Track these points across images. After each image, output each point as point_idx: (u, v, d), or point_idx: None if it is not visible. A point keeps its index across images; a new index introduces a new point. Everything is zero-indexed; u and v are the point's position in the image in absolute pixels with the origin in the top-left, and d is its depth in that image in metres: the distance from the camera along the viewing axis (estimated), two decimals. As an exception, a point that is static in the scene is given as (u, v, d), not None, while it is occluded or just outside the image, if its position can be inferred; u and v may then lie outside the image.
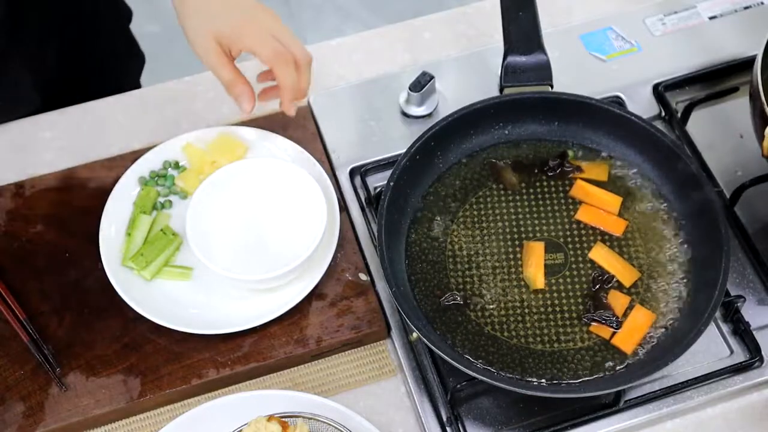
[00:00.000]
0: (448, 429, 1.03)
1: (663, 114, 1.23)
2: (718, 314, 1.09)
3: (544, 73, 1.15)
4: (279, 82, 1.07)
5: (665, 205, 1.11)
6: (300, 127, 1.23)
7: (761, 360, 1.06)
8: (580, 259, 1.09)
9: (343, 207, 1.16)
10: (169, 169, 1.18)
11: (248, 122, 1.22)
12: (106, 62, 1.42)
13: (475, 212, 1.12)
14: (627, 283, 1.06)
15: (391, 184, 1.08)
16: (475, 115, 1.14)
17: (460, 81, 1.27)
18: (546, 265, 1.08)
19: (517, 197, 1.13)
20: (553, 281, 1.07)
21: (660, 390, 1.04)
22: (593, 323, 1.04)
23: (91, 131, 1.25)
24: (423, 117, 1.23)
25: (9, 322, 1.08)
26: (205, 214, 1.09)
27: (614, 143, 1.15)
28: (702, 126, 1.22)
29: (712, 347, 1.08)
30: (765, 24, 1.30)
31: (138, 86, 1.49)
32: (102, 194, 1.14)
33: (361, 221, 1.16)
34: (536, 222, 1.11)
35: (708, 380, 1.05)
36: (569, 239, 1.10)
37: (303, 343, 1.08)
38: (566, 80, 1.19)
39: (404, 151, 1.11)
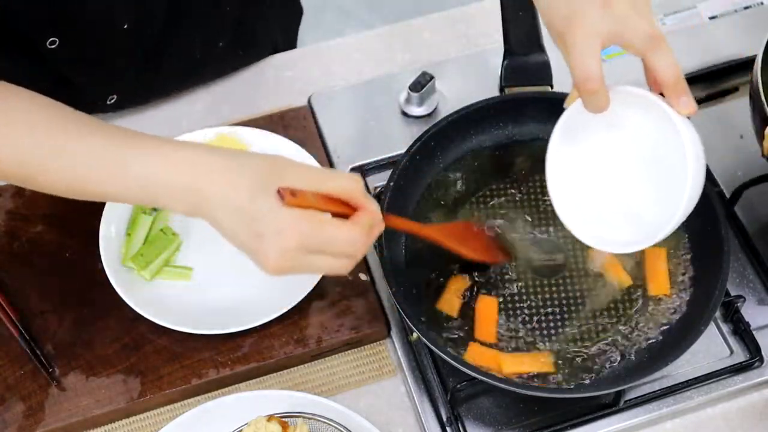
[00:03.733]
0: (448, 429, 1.03)
1: (663, 114, 1.22)
2: (718, 314, 1.09)
3: (544, 73, 1.15)
4: (656, 70, 0.89)
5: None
6: (300, 127, 1.23)
7: (761, 360, 1.06)
8: (580, 259, 1.09)
9: (343, 207, 1.16)
10: (170, 169, 1.18)
11: (248, 122, 1.22)
12: None
13: (476, 212, 1.12)
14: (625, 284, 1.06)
15: (391, 184, 1.08)
16: (475, 115, 1.14)
17: (460, 81, 1.26)
18: (546, 266, 1.08)
19: (518, 197, 1.13)
20: (552, 282, 1.07)
21: (660, 390, 1.04)
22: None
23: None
24: (423, 117, 1.23)
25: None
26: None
27: (615, 143, 1.14)
28: (702, 126, 1.21)
29: (712, 347, 1.08)
30: (765, 24, 1.30)
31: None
32: (102, 194, 1.14)
33: (361, 221, 1.16)
34: (536, 222, 1.11)
35: (708, 380, 1.05)
36: (569, 239, 1.10)
37: (303, 343, 1.08)
38: (566, 80, 1.18)
39: (404, 151, 1.11)
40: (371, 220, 0.89)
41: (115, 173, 0.88)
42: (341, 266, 0.88)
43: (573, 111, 0.93)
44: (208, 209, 0.87)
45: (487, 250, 1.07)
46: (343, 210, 0.88)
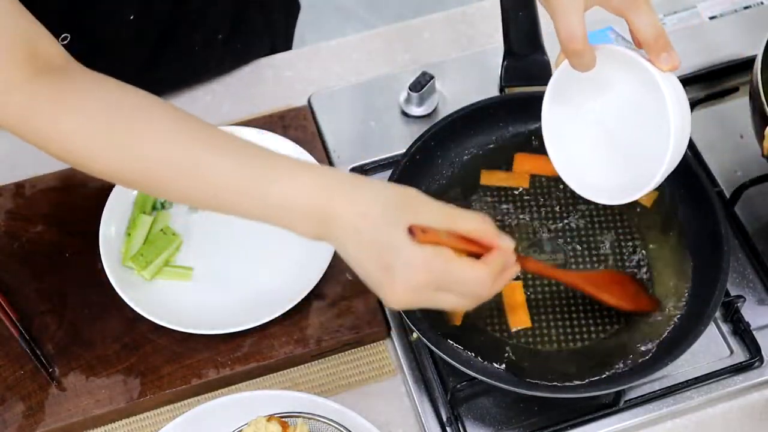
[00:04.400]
0: (448, 429, 1.03)
1: (663, 114, 1.22)
2: (718, 314, 1.09)
3: (544, 73, 1.15)
4: (635, 28, 0.90)
5: (665, 204, 1.11)
6: (300, 127, 1.23)
7: (761, 360, 1.06)
8: (580, 259, 1.09)
9: (343, 207, 1.16)
10: (169, 169, 1.18)
11: (248, 122, 1.23)
12: None
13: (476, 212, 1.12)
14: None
15: (391, 184, 1.08)
16: (475, 115, 1.14)
17: (460, 81, 1.26)
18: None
19: (518, 197, 1.13)
20: (553, 282, 1.07)
21: (660, 390, 1.04)
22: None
23: (91, 131, 1.25)
24: (423, 117, 1.23)
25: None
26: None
27: (614, 143, 1.14)
28: (702, 126, 1.22)
29: (712, 347, 1.08)
30: (765, 24, 1.30)
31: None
32: (102, 194, 1.14)
33: (361, 221, 1.15)
34: (536, 222, 1.11)
35: (708, 380, 1.05)
36: (569, 238, 1.10)
37: (303, 343, 1.08)
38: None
39: (404, 151, 1.11)
40: (503, 262, 0.88)
41: (251, 194, 0.87)
42: (466, 305, 0.88)
43: (562, 71, 0.94)
44: (334, 234, 0.86)
45: (634, 298, 1.05)
46: (475, 249, 0.87)
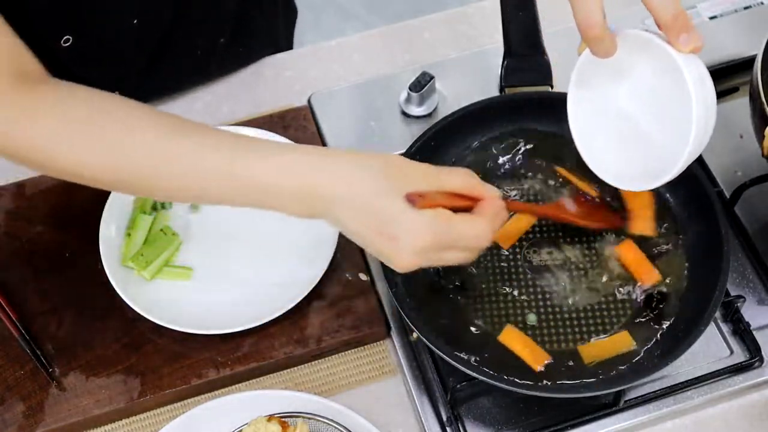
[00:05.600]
0: (448, 429, 1.03)
1: (663, 114, 1.22)
2: (718, 314, 1.09)
3: (544, 73, 1.16)
4: (652, 10, 0.88)
5: (665, 204, 1.11)
6: (300, 127, 1.23)
7: (761, 360, 1.06)
8: (580, 258, 1.09)
9: (343, 207, 1.16)
10: (169, 169, 1.18)
11: (248, 122, 1.23)
12: None
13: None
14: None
15: (391, 184, 1.08)
16: (475, 115, 1.14)
17: (460, 81, 1.26)
18: (547, 266, 1.08)
19: (518, 197, 1.13)
20: (553, 282, 1.07)
21: (660, 390, 1.04)
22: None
23: (91, 131, 1.25)
24: (423, 117, 1.23)
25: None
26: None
27: (614, 143, 1.14)
28: (702, 126, 1.22)
29: (712, 347, 1.08)
30: (765, 24, 1.30)
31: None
32: (102, 194, 1.14)
33: (361, 221, 1.16)
34: (537, 221, 1.11)
35: (708, 380, 1.05)
36: (568, 238, 1.10)
37: (303, 343, 1.08)
38: (566, 80, 1.18)
39: (404, 151, 1.11)
40: (494, 208, 0.92)
41: (229, 178, 0.88)
42: (468, 257, 0.92)
43: (585, 57, 0.94)
44: (329, 211, 0.88)
45: (603, 217, 1.08)
46: (465, 203, 0.91)
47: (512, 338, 1.03)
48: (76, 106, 0.90)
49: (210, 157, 0.88)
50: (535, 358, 1.01)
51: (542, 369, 1.01)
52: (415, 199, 0.86)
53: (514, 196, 1.12)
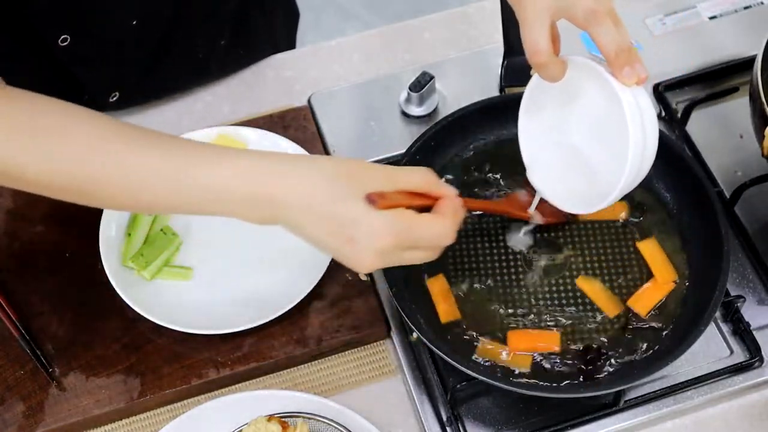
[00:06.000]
0: (448, 429, 1.03)
1: (663, 114, 1.23)
2: (718, 314, 1.09)
3: (544, 73, 1.16)
4: (598, 43, 0.90)
5: (665, 204, 1.11)
6: (300, 127, 1.23)
7: (761, 360, 1.06)
8: (579, 259, 1.09)
9: (343, 207, 1.16)
10: (169, 169, 1.18)
11: (248, 122, 1.23)
12: None
13: (476, 212, 1.12)
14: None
15: (391, 184, 1.08)
16: (475, 115, 1.14)
17: (460, 81, 1.27)
18: (546, 266, 1.08)
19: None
20: (552, 281, 1.07)
21: (660, 390, 1.04)
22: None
23: (91, 131, 1.25)
24: (423, 117, 1.23)
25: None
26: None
27: (614, 143, 1.14)
28: (702, 126, 1.22)
29: (712, 347, 1.08)
30: (765, 24, 1.30)
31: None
32: (102, 194, 1.14)
33: (361, 221, 1.16)
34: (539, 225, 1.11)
35: (708, 380, 1.05)
36: (569, 238, 1.10)
37: (303, 343, 1.08)
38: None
39: (404, 151, 1.11)
40: (453, 206, 0.92)
41: (179, 186, 0.87)
42: (430, 256, 0.92)
43: (535, 81, 0.96)
44: (286, 216, 0.87)
45: (551, 212, 1.08)
46: (424, 201, 0.91)
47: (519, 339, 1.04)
48: (20, 115, 0.88)
49: (160, 165, 0.87)
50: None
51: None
52: (375, 200, 0.86)
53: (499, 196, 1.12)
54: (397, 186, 0.89)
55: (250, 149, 0.95)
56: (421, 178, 0.91)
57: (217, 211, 0.88)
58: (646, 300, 1.05)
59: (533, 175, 1.03)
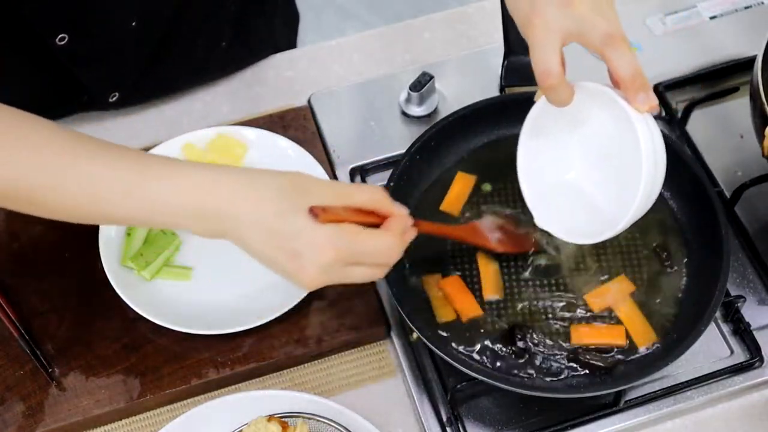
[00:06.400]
0: (448, 429, 1.03)
1: (663, 114, 1.23)
2: (718, 314, 1.09)
3: (544, 73, 1.16)
4: (613, 68, 0.89)
5: (665, 204, 1.11)
6: (300, 127, 1.23)
7: (761, 360, 1.06)
8: (580, 259, 1.09)
9: (343, 207, 1.16)
10: (169, 169, 1.18)
11: (248, 122, 1.23)
12: None
13: (476, 212, 1.12)
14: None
15: (391, 184, 1.08)
16: (475, 115, 1.14)
17: (460, 81, 1.27)
18: (546, 265, 1.08)
19: (518, 197, 1.12)
20: (552, 281, 1.07)
21: (660, 390, 1.04)
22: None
23: (91, 132, 1.25)
24: (423, 117, 1.23)
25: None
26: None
27: (614, 143, 1.14)
28: (702, 126, 1.22)
29: (712, 347, 1.08)
30: (765, 24, 1.30)
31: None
32: (102, 194, 1.14)
33: (361, 221, 1.16)
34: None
35: (708, 380, 1.05)
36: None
37: (303, 343, 1.08)
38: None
39: (404, 151, 1.11)
40: (402, 225, 0.91)
41: (126, 197, 0.87)
42: (376, 274, 0.90)
43: (541, 105, 0.95)
44: (233, 230, 0.87)
45: (512, 240, 1.08)
46: (373, 219, 0.89)
47: None
48: None
49: (108, 176, 0.87)
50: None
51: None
52: (318, 213, 0.85)
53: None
54: (345, 202, 0.88)
55: (198, 162, 0.94)
56: (370, 196, 0.90)
57: (167, 223, 0.89)
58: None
59: (531, 202, 1.01)
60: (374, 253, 0.88)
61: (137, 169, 0.87)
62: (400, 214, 0.91)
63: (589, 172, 0.98)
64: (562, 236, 1.00)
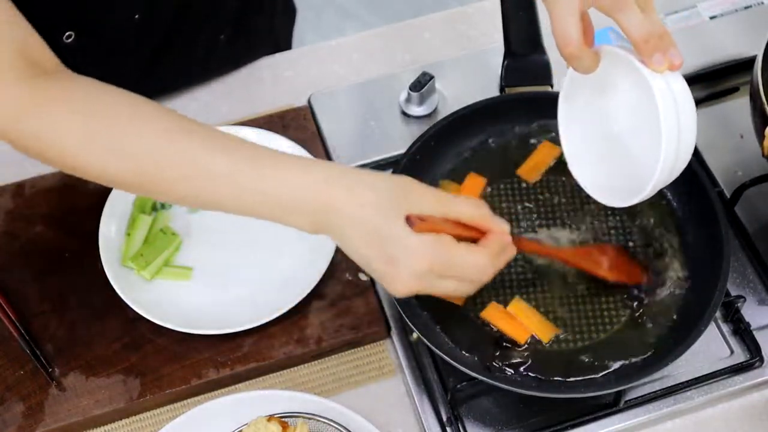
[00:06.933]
0: (448, 429, 1.03)
1: (663, 114, 1.22)
2: (718, 314, 1.09)
3: (544, 73, 1.16)
4: (624, 30, 0.87)
5: (665, 204, 1.11)
6: (300, 127, 1.23)
7: (761, 360, 1.06)
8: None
9: (343, 207, 1.16)
10: (169, 169, 1.18)
11: (248, 122, 1.23)
12: None
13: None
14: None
15: (391, 184, 1.08)
16: (475, 115, 1.14)
17: (460, 81, 1.26)
18: (546, 264, 1.08)
19: (518, 196, 1.13)
20: (552, 283, 1.07)
21: (660, 390, 1.04)
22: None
23: (91, 131, 1.25)
24: (423, 117, 1.23)
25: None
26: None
27: (614, 143, 1.14)
28: (702, 126, 1.21)
29: (712, 347, 1.08)
30: (765, 24, 1.30)
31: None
32: (102, 194, 1.14)
33: (361, 221, 1.15)
34: (537, 221, 1.11)
35: (708, 380, 1.05)
36: (570, 238, 1.10)
37: (303, 343, 1.08)
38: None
39: (404, 151, 1.11)
40: (501, 244, 0.90)
41: (248, 190, 0.88)
42: (466, 290, 0.90)
43: (572, 72, 0.94)
44: (339, 227, 0.88)
45: (625, 269, 1.05)
46: (471, 233, 0.89)
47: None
48: (83, 99, 0.89)
49: (219, 162, 0.88)
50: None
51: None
52: (414, 221, 0.85)
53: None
54: (446, 213, 0.88)
55: (301, 157, 0.96)
56: (472, 209, 0.89)
57: (274, 215, 0.89)
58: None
59: (573, 167, 1.00)
60: (468, 269, 0.88)
61: (257, 163, 0.88)
62: (499, 231, 0.90)
63: (621, 136, 0.97)
64: (597, 197, 0.99)
